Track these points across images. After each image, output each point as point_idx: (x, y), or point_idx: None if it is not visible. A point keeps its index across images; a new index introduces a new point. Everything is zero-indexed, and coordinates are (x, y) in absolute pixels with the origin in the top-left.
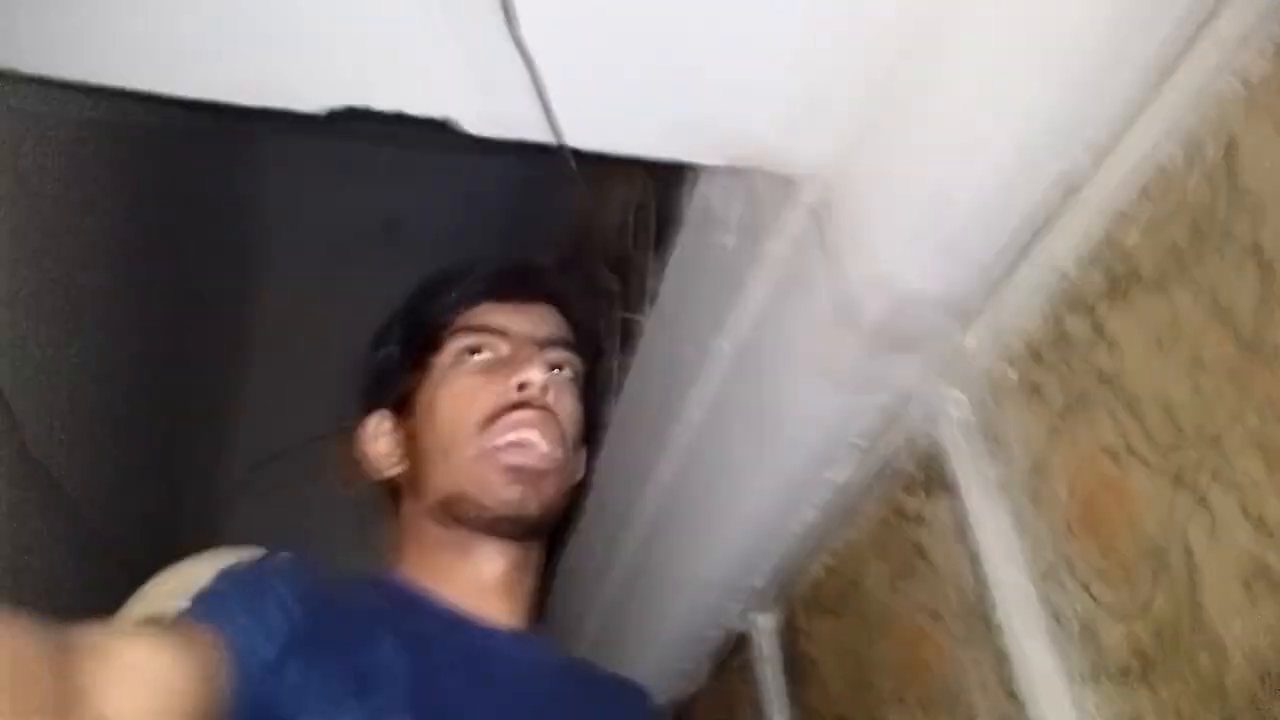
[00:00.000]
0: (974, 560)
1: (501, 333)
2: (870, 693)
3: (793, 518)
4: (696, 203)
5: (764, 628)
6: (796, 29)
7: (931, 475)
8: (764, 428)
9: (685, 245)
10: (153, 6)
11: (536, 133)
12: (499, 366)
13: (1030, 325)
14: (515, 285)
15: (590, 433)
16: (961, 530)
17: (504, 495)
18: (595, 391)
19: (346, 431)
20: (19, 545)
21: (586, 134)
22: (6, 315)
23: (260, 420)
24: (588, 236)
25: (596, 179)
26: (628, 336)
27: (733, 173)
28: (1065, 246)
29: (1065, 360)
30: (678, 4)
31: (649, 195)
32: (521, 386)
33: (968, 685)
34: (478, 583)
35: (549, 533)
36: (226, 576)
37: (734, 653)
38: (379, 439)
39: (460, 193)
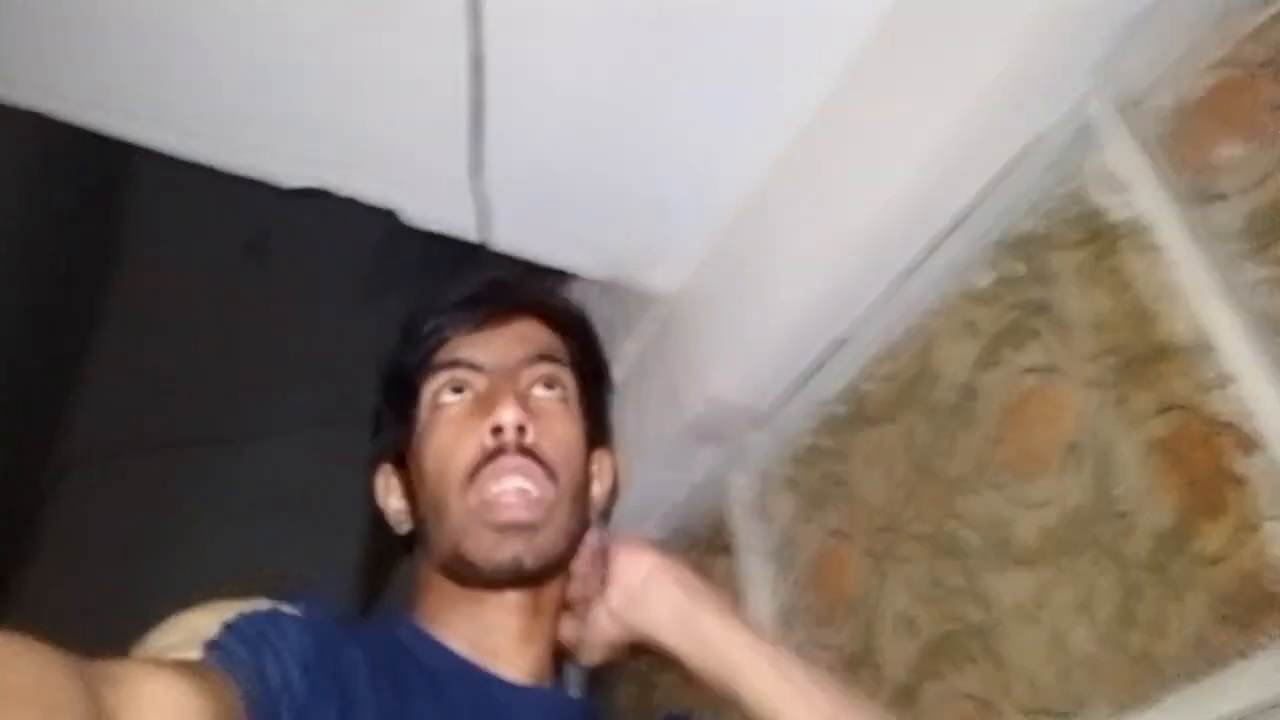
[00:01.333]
0: (740, 605)
1: (474, 365)
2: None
3: None
4: (575, 292)
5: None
6: (675, 198)
7: (714, 536)
8: None
9: None
10: (169, 64)
11: (468, 234)
12: (476, 408)
13: (799, 435)
14: (484, 307)
15: (604, 431)
16: (730, 580)
17: (497, 557)
18: (604, 385)
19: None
20: None
21: (510, 240)
22: None
23: (98, 414)
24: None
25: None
26: None
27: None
28: (827, 386)
29: (815, 464)
30: (603, 159)
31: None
32: (496, 430)
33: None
34: (490, 637)
35: (563, 567)
36: (232, 629)
37: None
38: (389, 495)
39: (332, 216)
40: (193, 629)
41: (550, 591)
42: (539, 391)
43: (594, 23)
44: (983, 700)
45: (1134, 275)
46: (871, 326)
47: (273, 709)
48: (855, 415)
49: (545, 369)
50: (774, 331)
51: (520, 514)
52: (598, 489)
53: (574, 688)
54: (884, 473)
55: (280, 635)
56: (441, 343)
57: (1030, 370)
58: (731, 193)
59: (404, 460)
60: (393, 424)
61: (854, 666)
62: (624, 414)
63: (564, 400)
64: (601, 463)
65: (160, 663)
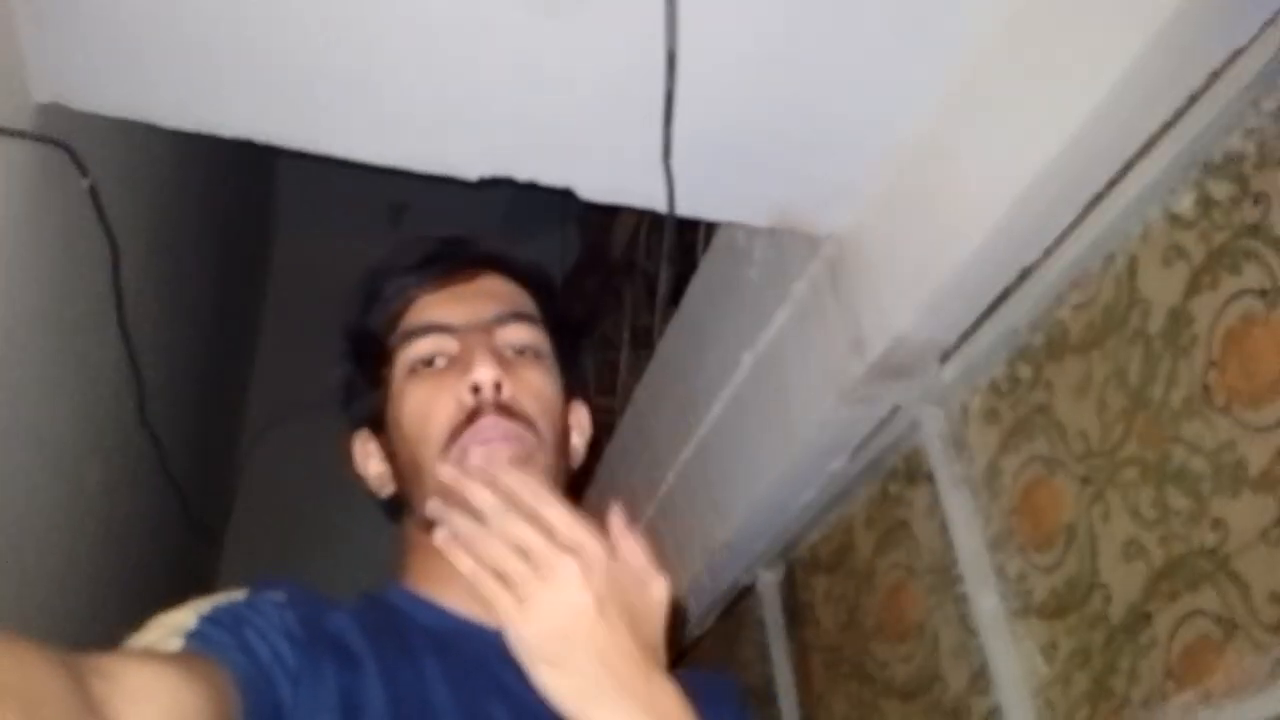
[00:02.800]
0: (942, 530)
1: (447, 328)
2: (857, 629)
3: (797, 497)
4: (721, 238)
5: (768, 581)
6: (842, 140)
7: (912, 468)
8: (777, 425)
9: (710, 271)
10: (357, 80)
11: (647, 201)
12: (450, 369)
13: (991, 367)
14: (449, 266)
15: (579, 382)
16: (934, 509)
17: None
18: (574, 335)
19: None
20: (126, 515)
21: (692, 205)
22: (152, 303)
23: (281, 376)
24: (598, 239)
25: None
26: (637, 336)
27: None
28: (1018, 313)
29: (1014, 394)
30: (776, 111)
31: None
32: (474, 389)
33: (934, 621)
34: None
35: None
36: (211, 618)
37: (740, 600)
38: (369, 460)
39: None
40: (171, 625)
41: None
42: (513, 348)
43: None
44: (1225, 619)
45: None
46: (1064, 255)
47: (267, 682)
48: (1054, 344)
49: (517, 326)
50: (958, 264)
51: (502, 449)
52: (577, 440)
53: None
54: (1094, 401)
55: (260, 615)
56: (408, 304)
57: (1249, 292)
58: (904, 129)
59: (380, 424)
60: (364, 389)
61: (1079, 590)
62: (804, 356)
63: (538, 355)
64: (579, 413)
65: (149, 652)
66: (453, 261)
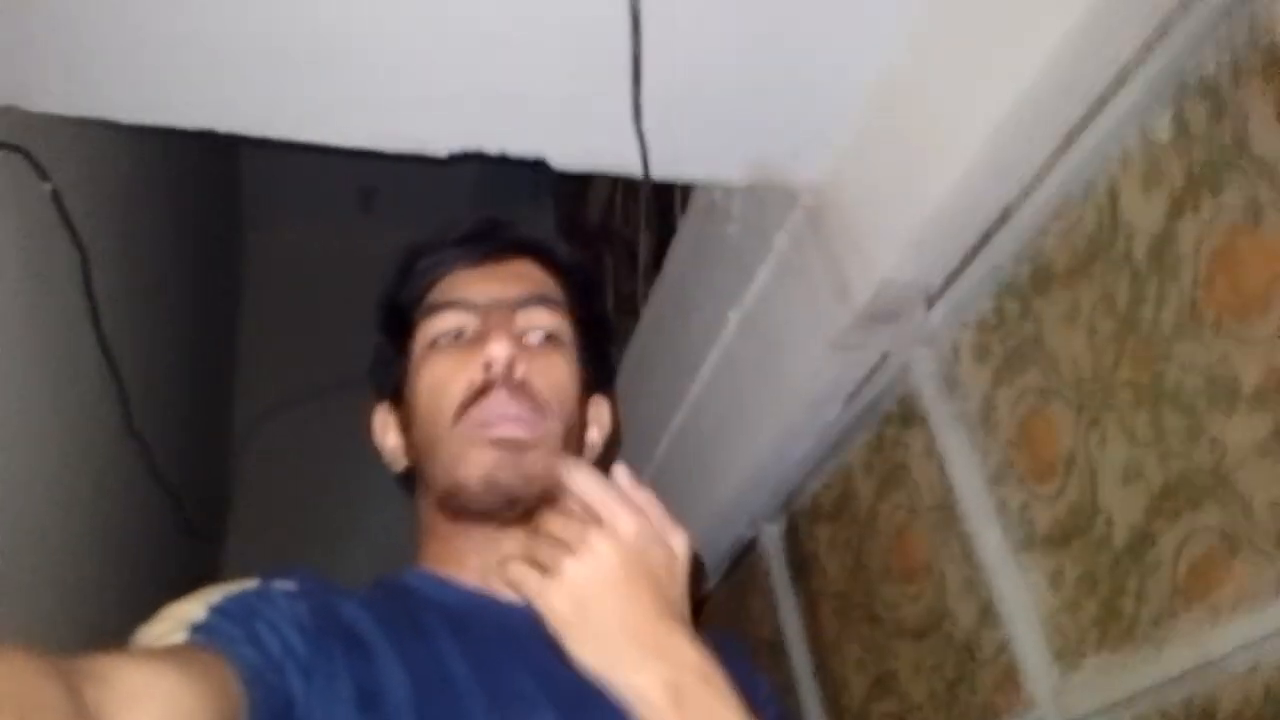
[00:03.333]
0: (941, 470)
1: (469, 305)
2: (864, 573)
3: (793, 449)
4: (699, 198)
5: (771, 534)
6: (811, 86)
7: (907, 411)
8: (769, 380)
9: (689, 232)
10: (315, 62)
11: (633, 170)
12: (469, 344)
13: (979, 304)
14: (483, 246)
15: (604, 378)
16: (931, 449)
17: (484, 472)
18: (604, 332)
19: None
20: (120, 525)
21: (666, 169)
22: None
23: (258, 373)
24: (573, 210)
25: None
26: (621, 303)
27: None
28: (1002, 249)
29: (1004, 329)
30: (745, 69)
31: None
32: (487, 366)
33: (940, 559)
34: (495, 569)
35: (553, 500)
36: (220, 609)
37: (745, 555)
38: (387, 432)
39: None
40: (179, 617)
41: None
42: (534, 332)
43: None
44: (1228, 534)
45: None
46: (1044, 187)
47: (278, 674)
48: (1039, 277)
49: (540, 311)
50: (937, 204)
51: (509, 430)
52: (595, 434)
53: None
54: (1084, 329)
55: (270, 606)
56: (437, 279)
57: (1232, 209)
58: (872, 71)
59: (400, 396)
60: (389, 360)
61: (1081, 517)
62: (791, 308)
63: (558, 343)
64: (599, 408)
65: (147, 652)
66: (488, 241)
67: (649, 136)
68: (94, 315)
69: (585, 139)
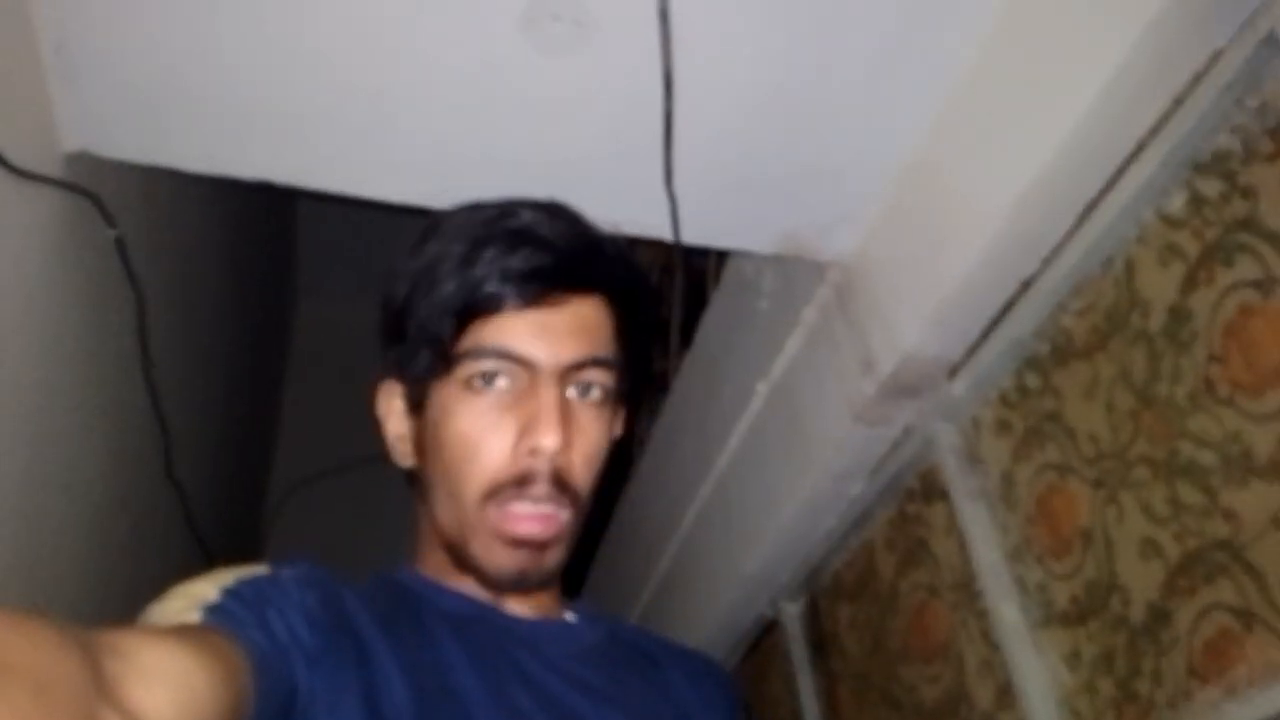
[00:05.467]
0: (961, 546)
1: (521, 360)
2: (883, 654)
3: (817, 524)
4: (730, 272)
5: (791, 613)
6: (840, 164)
7: (929, 486)
8: (795, 453)
9: (721, 305)
10: (368, 124)
11: (663, 234)
12: (512, 405)
13: (1000, 378)
14: (548, 287)
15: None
16: (952, 526)
17: (503, 568)
18: (646, 360)
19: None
20: (152, 574)
21: (697, 234)
22: (178, 356)
23: (298, 440)
24: None
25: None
26: (652, 380)
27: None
28: (1023, 324)
29: (1024, 404)
30: (774, 140)
31: (675, 259)
32: (533, 452)
33: (959, 639)
34: (494, 594)
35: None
36: (233, 591)
37: (765, 635)
38: (391, 415)
39: None
40: (193, 596)
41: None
42: (583, 392)
43: (760, 10)
44: (1243, 611)
45: None
46: (1062, 262)
47: (284, 662)
48: (1059, 351)
49: (594, 372)
50: (959, 279)
51: (535, 531)
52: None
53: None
54: (1102, 404)
55: (281, 593)
56: (494, 311)
57: (1244, 285)
58: (900, 150)
59: (416, 399)
60: (414, 359)
61: (1098, 594)
62: (817, 381)
63: (604, 402)
64: (615, 421)
65: (162, 630)
66: (554, 283)
67: (679, 199)
68: (145, 359)
69: (619, 203)
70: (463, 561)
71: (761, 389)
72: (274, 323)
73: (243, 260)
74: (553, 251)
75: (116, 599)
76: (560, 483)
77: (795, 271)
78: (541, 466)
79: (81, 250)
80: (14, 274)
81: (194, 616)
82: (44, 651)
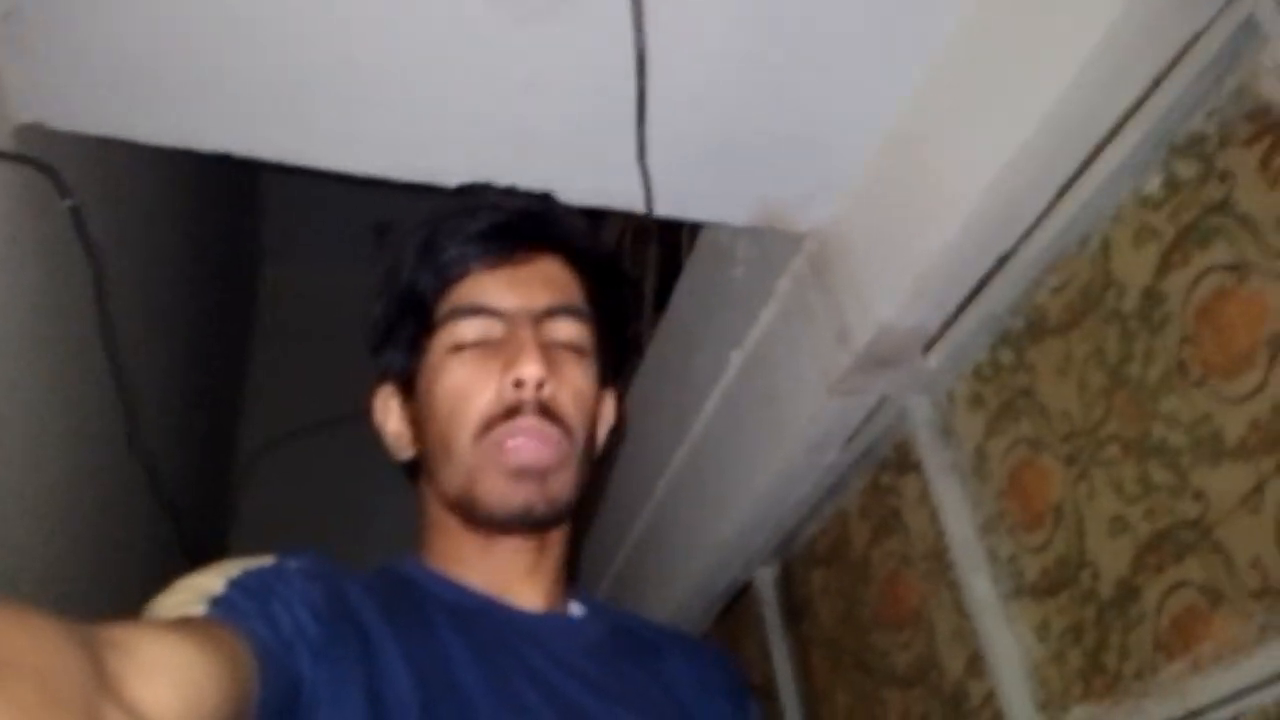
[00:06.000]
0: (933, 518)
1: (496, 312)
2: (856, 620)
3: (791, 492)
4: (705, 240)
5: (766, 578)
6: (817, 135)
7: (902, 458)
8: (769, 422)
9: (695, 273)
10: (335, 93)
11: (635, 207)
12: (494, 353)
13: (974, 353)
14: (511, 241)
15: (617, 373)
16: (925, 497)
17: (510, 502)
18: (624, 326)
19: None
20: (119, 544)
21: (671, 206)
22: (139, 327)
23: (267, 403)
24: None
25: None
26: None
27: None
28: (999, 299)
29: (998, 379)
30: (750, 112)
31: (649, 222)
32: (517, 384)
33: (930, 608)
34: (502, 573)
35: (571, 514)
36: (237, 584)
37: (739, 598)
38: (389, 416)
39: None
40: (198, 588)
41: (558, 533)
42: (560, 340)
43: None
44: (1210, 589)
45: None
46: (1039, 239)
47: (289, 654)
48: (1033, 328)
49: (567, 322)
50: (936, 253)
51: (534, 457)
52: (601, 430)
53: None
54: (1075, 381)
55: (286, 585)
56: (464, 274)
57: (1219, 268)
58: (878, 123)
59: (408, 384)
60: (399, 345)
61: (1068, 569)
62: (792, 351)
63: (581, 351)
64: (606, 404)
65: (165, 624)
66: (518, 239)
67: (653, 173)
68: (104, 331)
69: (592, 174)
70: (472, 514)
71: (736, 358)
72: (239, 286)
73: (205, 225)
74: (510, 212)
75: (81, 570)
76: (548, 413)
77: (771, 241)
78: (527, 396)
79: (36, 222)
80: None
81: (199, 609)
82: (47, 647)
